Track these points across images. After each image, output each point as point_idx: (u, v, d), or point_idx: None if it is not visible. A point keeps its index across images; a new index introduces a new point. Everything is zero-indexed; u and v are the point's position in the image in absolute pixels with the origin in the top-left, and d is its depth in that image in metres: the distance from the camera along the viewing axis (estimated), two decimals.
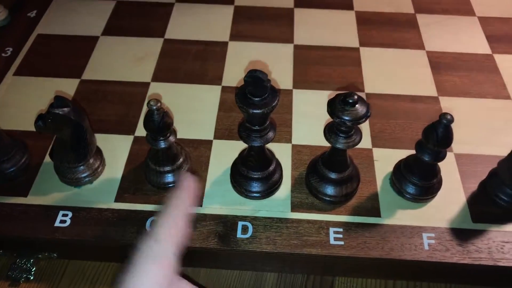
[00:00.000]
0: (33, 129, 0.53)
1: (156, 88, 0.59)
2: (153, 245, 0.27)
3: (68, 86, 0.58)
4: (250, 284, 0.47)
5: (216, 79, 0.60)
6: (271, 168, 0.47)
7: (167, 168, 0.47)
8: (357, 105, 0.39)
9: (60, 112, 0.42)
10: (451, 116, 0.41)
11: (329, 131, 0.42)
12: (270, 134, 0.42)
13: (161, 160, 0.46)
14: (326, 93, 0.58)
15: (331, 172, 0.46)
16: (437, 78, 0.61)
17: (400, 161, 0.49)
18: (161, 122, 0.42)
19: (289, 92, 0.58)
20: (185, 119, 0.55)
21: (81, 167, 0.47)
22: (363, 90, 0.59)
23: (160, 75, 0.60)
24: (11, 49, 0.63)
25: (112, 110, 0.56)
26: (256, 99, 0.39)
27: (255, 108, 0.39)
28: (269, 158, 0.46)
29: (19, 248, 0.47)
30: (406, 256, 0.44)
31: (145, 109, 0.56)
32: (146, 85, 0.59)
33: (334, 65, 0.62)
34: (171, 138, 0.44)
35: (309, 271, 0.48)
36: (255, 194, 0.47)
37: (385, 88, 0.59)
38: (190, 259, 0.47)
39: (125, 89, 0.58)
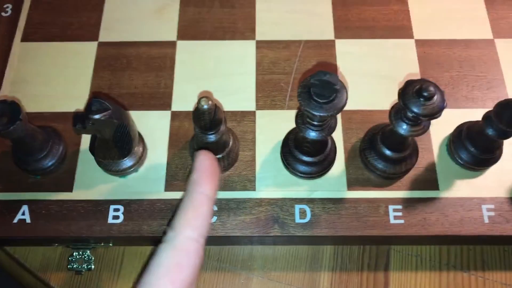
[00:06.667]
0: (59, 110, 0.50)
1: (183, 48, 0.53)
2: (169, 233, 0.27)
3: (86, 52, 0.52)
4: (308, 258, 0.48)
5: (247, 32, 0.54)
6: (327, 150, 0.44)
7: (218, 156, 0.44)
8: (434, 98, 0.36)
9: (102, 118, 0.38)
10: None
11: (395, 115, 0.39)
12: (330, 127, 0.39)
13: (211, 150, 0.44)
14: (373, 42, 0.53)
15: (391, 151, 0.43)
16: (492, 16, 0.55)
17: (460, 127, 0.47)
18: (212, 121, 0.39)
19: (331, 44, 0.53)
20: (224, 86, 0.51)
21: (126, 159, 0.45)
22: (412, 37, 0.53)
23: (185, 30, 0.54)
24: (10, 5, 0.55)
25: (140, 80, 0.51)
26: (323, 101, 0.35)
27: (321, 111, 0.35)
28: (325, 141, 0.44)
29: (74, 241, 0.47)
30: (466, 231, 0.44)
31: (177, 76, 0.51)
32: (172, 44, 0.53)
33: (376, 4, 0.55)
34: (222, 129, 0.41)
35: (365, 243, 0.48)
36: (309, 175, 0.45)
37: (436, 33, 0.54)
38: (246, 241, 0.47)
39: (149, 51, 0.53)
